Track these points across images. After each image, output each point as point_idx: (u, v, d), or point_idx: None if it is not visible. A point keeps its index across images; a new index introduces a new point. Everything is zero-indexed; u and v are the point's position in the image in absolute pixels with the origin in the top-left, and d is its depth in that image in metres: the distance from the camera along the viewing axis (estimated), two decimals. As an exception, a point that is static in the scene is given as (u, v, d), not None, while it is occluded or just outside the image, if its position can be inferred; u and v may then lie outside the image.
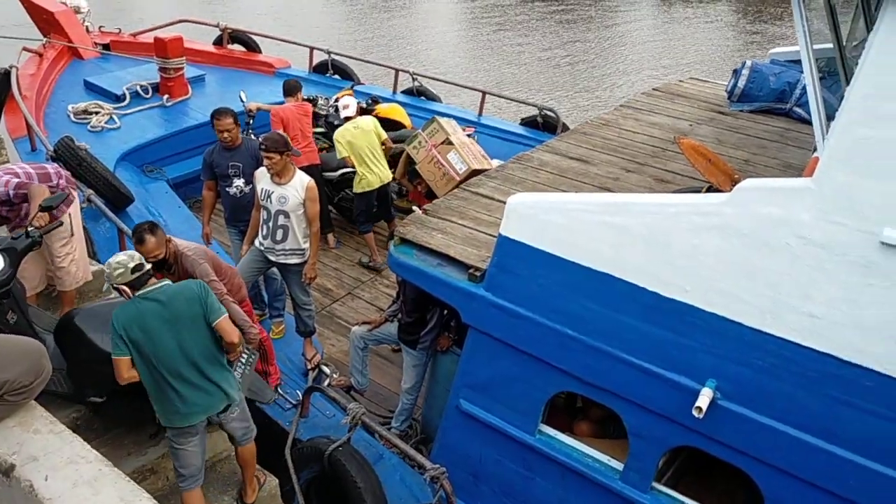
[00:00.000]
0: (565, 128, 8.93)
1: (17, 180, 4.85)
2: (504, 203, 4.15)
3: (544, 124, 9.26)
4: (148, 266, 3.90)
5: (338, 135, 7.16)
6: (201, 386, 3.88)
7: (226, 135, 5.83)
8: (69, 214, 5.13)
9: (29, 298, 4.81)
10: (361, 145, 7.05)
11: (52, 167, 5.30)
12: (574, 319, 3.89)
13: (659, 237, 3.55)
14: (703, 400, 3.42)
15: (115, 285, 3.83)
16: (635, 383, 3.73)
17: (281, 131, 6.93)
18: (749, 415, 3.47)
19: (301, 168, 6.44)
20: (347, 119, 7.39)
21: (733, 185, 3.46)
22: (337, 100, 8.56)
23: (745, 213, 3.29)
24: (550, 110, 9.32)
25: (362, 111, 8.61)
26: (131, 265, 3.78)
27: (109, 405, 4.26)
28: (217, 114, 5.88)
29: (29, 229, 4.41)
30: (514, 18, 23.67)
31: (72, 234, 5.15)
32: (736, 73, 6.82)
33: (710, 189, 4.21)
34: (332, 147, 7.69)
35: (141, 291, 3.79)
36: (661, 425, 3.74)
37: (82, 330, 4.14)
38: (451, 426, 4.68)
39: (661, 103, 7.05)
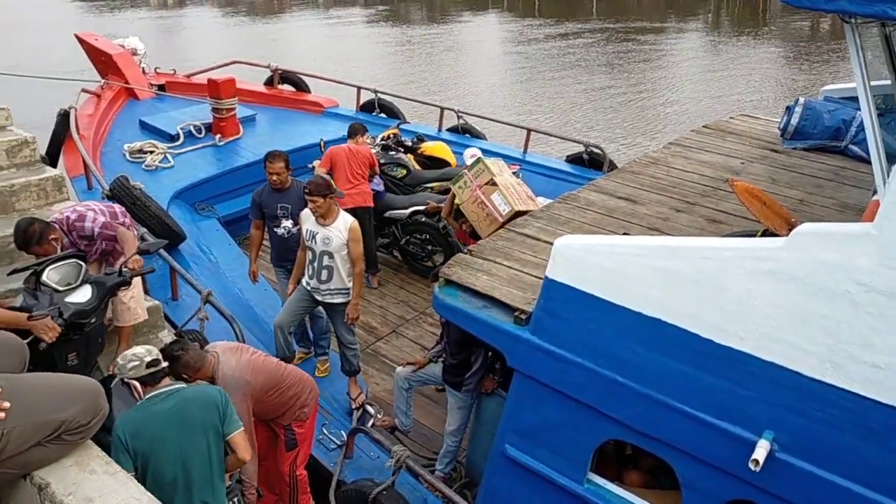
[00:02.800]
0: (612, 165, 8.86)
1: (103, 219, 5.06)
2: (550, 244, 4.09)
3: (590, 161, 9.20)
4: (164, 364, 3.75)
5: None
6: None
7: (275, 177, 5.95)
8: None
9: None
10: None
11: (118, 207, 5.52)
12: (623, 365, 3.80)
13: (712, 282, 3.45)
14: (760, 452, 3.29)
15: (126, 379, 3.71)
16: (687, 433, 3.61)
17: (325, 170, 7.04)
18: (809, 469, 3.32)
19: (348, 210, 6.52)
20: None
21: (790, 229, 3.36)
22: (384, 138, 8.67)
23: (803, 259, 3.18)
24: (597, 147, 9.26)
25: (407, 149, 8.70)
26: (147, 359, 3.65)
27: None
28: (269, 157, 6.01)
29: (123, 269, 4.52)
30: (559, 56, 23.78)
31: None
32: (789, 109, 6.70)
33: (766, 232, 4.10)
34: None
35: (153, 392, 3.63)
36: (716, 477, 3.60)
37: (111, 398, 3.95)
38: (496, 472, 4.59)
39: (712, 141, 6.95)
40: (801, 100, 6.68)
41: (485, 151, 9.19)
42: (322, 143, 8.27)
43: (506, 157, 8.94)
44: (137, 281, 5.40)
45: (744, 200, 4.17)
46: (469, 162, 7.37)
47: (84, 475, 2.22)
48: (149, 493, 2.19)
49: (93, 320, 4.39)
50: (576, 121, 17.32)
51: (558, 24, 29.10)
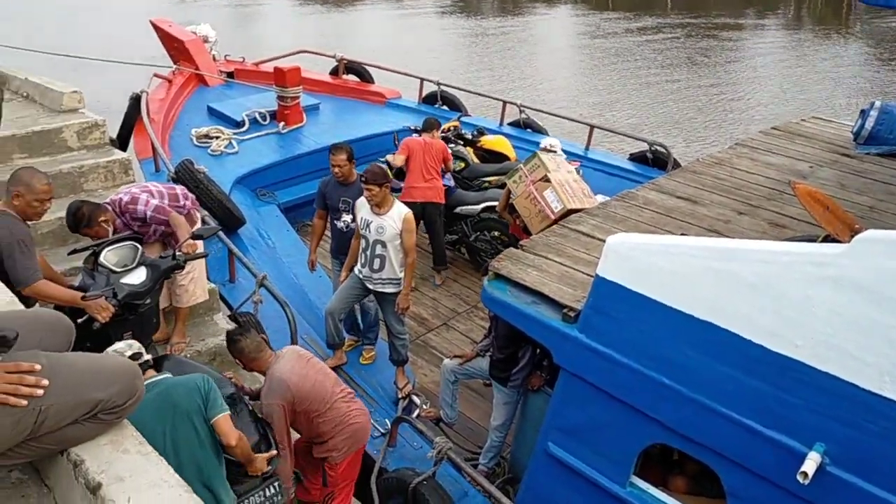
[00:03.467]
0: (676, 164, 8.66)
1: (155, 202, 5.12)
2: (604, 241, 4.02)
3: (654, 160, 9.02)
4: (147, 357, 3.80)
5: None
6: None
7: (337, 170, 5.99)
8: None
9: None
10: None
11: (180, 189, 5.59)
12: (671, 368, 3.70)
13: (768, 287, 3.33)
14: (810, 465, 3.16)
15: None
16: (735, 440, 3.50)
17: (403, 157, 7.11)
18: (861, 484, 3.17)
19: (417, 203, 6.52)
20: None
21: (853, 236, 3.21)
22: (444, 130, 8.67)
23: (865, 266, 3.04)
24: (661, 146, 9.07)
25: (467, 142, 8.68)
26: (128, 353, 3.67)
27: None
28: (333, 149, 6.07)
29: (177, 253, 4.64)
30: (629, 51, 23.35)
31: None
32: (864, 113, 6.42)
33: (828, 238, 3.94)
34: None
35: None
36: (763, 488, 3.48)
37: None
38: (538, 469, 4.54)
39: (780, 143, 6.72)
40: (878, 103, 6.40)
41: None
42: (396, 137, 8.26)
43: (567, 154, 8.86)
44: (200, 263, 5.52)
45: (805, 204, 4.02)
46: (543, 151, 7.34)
47: (117, 454, 2.27)
48: (178, 476, 2.22)
49: (147, 301, 4.51)
50: (642, 118, 16.99)
51: (631, 19, 28.58)
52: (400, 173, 7.52)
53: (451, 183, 7.81)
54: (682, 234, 4.86)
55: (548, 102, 15.65)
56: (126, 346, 3.78)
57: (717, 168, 6.15)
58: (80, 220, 4.85)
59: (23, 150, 6.14)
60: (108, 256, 4.49)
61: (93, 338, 4.14)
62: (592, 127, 9.55)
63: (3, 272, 4.10)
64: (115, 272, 4.42)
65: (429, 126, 7.66)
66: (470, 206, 7.80)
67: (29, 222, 4.39)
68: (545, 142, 8.20)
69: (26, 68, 7.64)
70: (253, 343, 4.31)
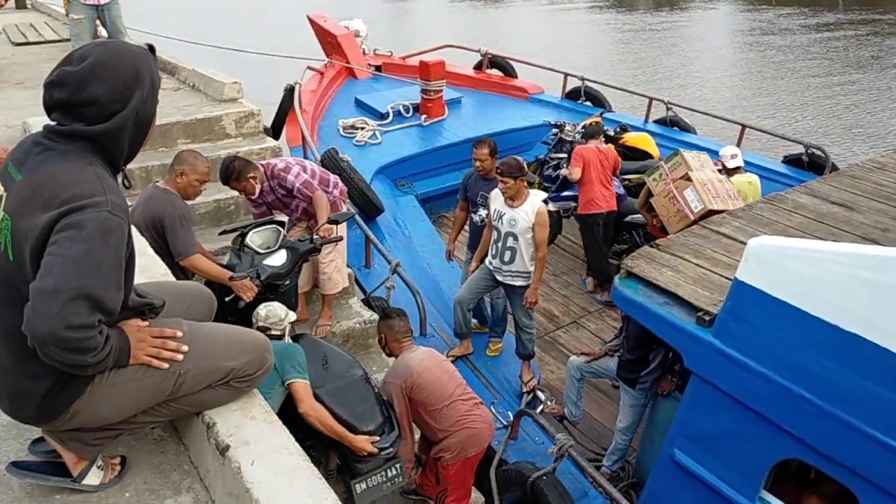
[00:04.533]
0: (834, 169, 8.07)
1: (305, 177, 5.29)
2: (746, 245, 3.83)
3: (810, 164, 8.46)
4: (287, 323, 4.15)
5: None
6: None
7: (479, 164, 6.03)
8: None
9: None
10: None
11: (333, 177, 5.73)
12: (811, 380, 3.47)
13: (926, 300, 3.05)
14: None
15: (259, 326, 4.07)
16: (877, 462, 3.23)
17: (579, 170, 6.96)
18: None
19: (601, 214, 6.61)
20: (735, 170, 7.15)
21: None
22: (584, 126, 8.53)
23: None
24: (819, 149, 8.50)
25: (609, 139, 8.48)
26: (283, 315, 4.08)
27: None
28: (477, 143, 6.11)
29: (314, 237, 4.88)
30: (790, 49, 22.00)
31: (336, 244, 5.40)
32: None
33: None
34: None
35: None
36: (909, 518, 3.21)
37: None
38: (662, 475, 4.39)
39: (955, 147, 6.11)
40: None
41: (693, 147, 8.78)
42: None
43: (715, 154, 8.47)
44: (342, 253, 5.70)
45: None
46: (729, 162, 7.02)
47: (245, 420, 2.42)
48: (298, 445, 2.33)
49: (286, 283, 4.74)
50: (800, 121, 15.95)
51: (795, 15, 26.93)
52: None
53: (621, 190, 7.55)
54: (833, 241, 4.54)
55: (696, 101, 15.02)
56: (282, 310, 4.10)
57: (878, 173, 5.68)
58: (231, 172, 5.09)
59: (186, 136, 6.61)
60: (253, 238, 4.76)
61: (236, 314, 4.41)
62: (744, 126, 9.11)
63: (164, 245, 4.45)
64: (258, 253, 4.68)
65: (593, 132, 7.44)
66: (638, 215, 7.46)
67: (188, 201, 4.73)
68: (725, 151, 7.51)
69: (196, 60, 8.22)
70: (403, 326, 4.60)
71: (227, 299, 4.37)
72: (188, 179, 4.64)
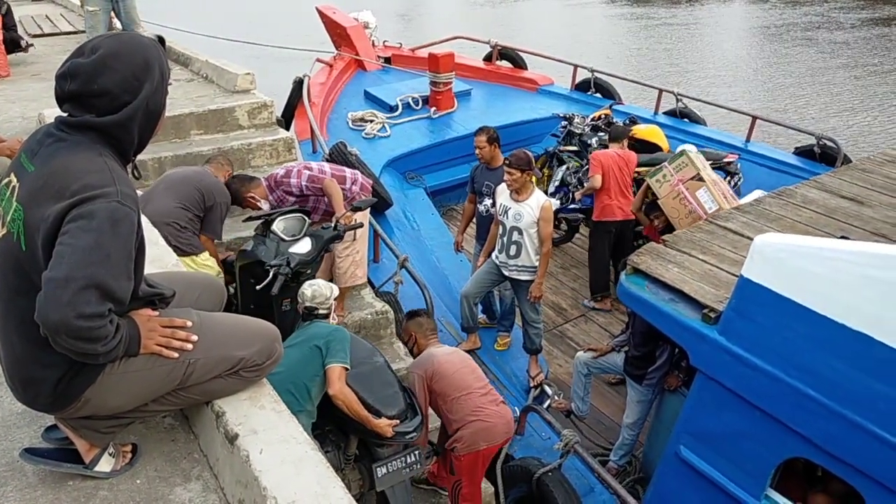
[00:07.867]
0: (847, 161, 8.00)
1: (308, 172, 5.30)
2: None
3: (822, 155, 8.37)
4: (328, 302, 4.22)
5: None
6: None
7: (478, 151, 6.05)
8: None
9: None
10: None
11: (350, 172, 5.59)
12: (818, 379, 3.46)
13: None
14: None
15: (307, 306, 4.16)
16: (884, 462, 3.22)
17: (599, 177, 6.73)
18: None
19: (616, 222, 6.53)
20: None
21: None
22: (594, 119, 8.50)
23: None
24: (831, 140, 8.40)
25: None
26: (328, 292, 4.15)
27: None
28: (477, 130, 6.11)
29: (337, 224, 4.88)
30: (803, 43, 21.82)
31: (353, 239, 5.41)
32: None
33: None
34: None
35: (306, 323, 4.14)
36: (915, 517, 3.21)
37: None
38: (667, 472, 4.40)
39: (969, 143, 6.07)
40: None
41: (703, 138, 8.76)
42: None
43: (725, 146, 8.46)
44: (362, 247, 5.70)
45: None
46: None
47: (254, 409, 2.45)
48: (307, 435, 2.36)
49: (309, 271, 4.75)
50: (813, 114, 15.84)
51: (807, 5, 26.68)
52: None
53: None
54: (843, 237, 4.52)
55: (707, 93, 14.91)
56: (328, 288, 4.18)
57: (889, 167, 5.65)
58: (233, 197, 5.17)
59: (199, 127, 6.62)
60: (279, 225, 4.74)
61: (259, 301, 4.45)
62: (755, 118, 9.02)
63: (196, 209, 4.75)
64: (284, 241, 4.67)
65: (618, 134, 7.09)
66: None
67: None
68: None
69: (210, 53, 8.22)
70: (430, 324, 4.86)
71: (258, 287, 4.38)
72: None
